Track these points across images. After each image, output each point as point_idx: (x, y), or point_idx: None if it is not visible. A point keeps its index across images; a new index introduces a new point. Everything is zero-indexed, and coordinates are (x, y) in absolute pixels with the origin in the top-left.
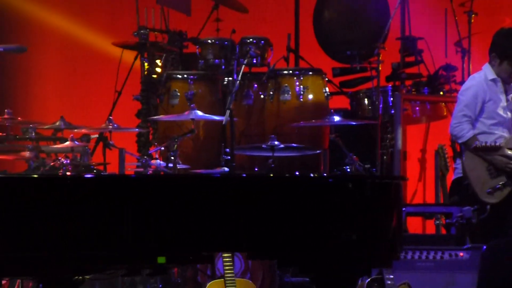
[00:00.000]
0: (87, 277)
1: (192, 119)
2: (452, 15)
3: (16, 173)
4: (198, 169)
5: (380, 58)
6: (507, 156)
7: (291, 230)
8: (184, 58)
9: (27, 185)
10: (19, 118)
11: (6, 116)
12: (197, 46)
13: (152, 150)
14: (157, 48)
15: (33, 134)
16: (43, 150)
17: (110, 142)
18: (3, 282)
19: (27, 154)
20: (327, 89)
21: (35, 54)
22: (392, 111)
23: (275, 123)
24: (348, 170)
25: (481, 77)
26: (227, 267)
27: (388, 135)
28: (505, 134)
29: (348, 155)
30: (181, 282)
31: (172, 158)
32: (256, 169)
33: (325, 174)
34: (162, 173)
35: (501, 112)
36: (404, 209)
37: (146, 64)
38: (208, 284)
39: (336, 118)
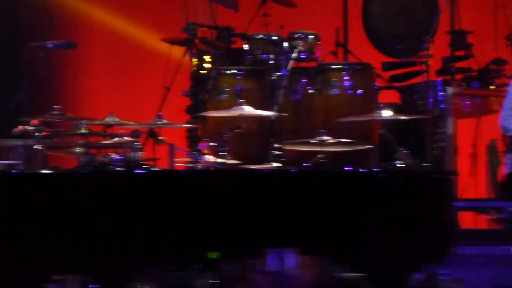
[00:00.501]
0: (141, 272)
1: (241, 114)
2: (502, 8)
3: (66, 168)
4: (247, 164)
5: (429, 52)
6: None
7: (342, 225)
8: (232, 54)
9: (77, 181)
10: (69, 114)
11: (56, 112)
12: (245, 42)
13: (201, 145)
14: (205, 44)
15: (84, 130)
16: (93, 146)
17: (160, 137)
18: (56, 278)
19: (77, 150)
20: (376, 83)
21: (84, 50)
22: (442, 106)
23: (324, 118)
24: (398, 165)
25: None
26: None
27: (439, 130)
28: None
29: (398, 150)
30: (233, 277)
31: (221, 153)
32: (304, 165)
33: (375, 169)
34: (211, 168)
35: None
36: (455, 204)
37: (194, 60)
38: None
39: (386, 113)
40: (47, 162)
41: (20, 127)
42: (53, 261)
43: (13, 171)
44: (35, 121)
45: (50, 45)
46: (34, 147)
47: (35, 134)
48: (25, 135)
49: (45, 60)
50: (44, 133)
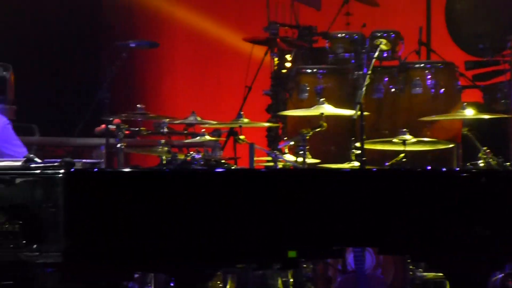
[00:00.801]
0: (219, 270)
1: (322, 113)
2: None
3: (148, 167)
4: (328, 163)
5: None
6: None
7: (422, 224)
8: (314, 53)
9: (159, 180)
10: (151, 113)
11: (138, 111)
12: (327, 40)
13: (281, 144)
14: (287, 43)
15: (165, 129)
16: (175, 144)
17: (241, 136)
18: (136, 276)
19: (159, 148)
20: (459, 82)
21: (166, 50)
22: None
23: (406, 116)
24: (481, 164)
25: None
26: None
27: None
28: None
29: (481, 149)
30: (312, 276)
31: (302, 152)
32: (386, 164)
33: (457, 169)
34: (291, 167)
35: None
36: None
37: (276, 59)
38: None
39: (469, 112)
40: (128, 161)
41: (102, 126)
42: (134, 259)
43: (95, 169)
44: (117, 120)
45: (132, 45)
46: (116, 146)
47: (117, 133)
48: (107, 134)
49: (128, 59)
50: (126, 132)
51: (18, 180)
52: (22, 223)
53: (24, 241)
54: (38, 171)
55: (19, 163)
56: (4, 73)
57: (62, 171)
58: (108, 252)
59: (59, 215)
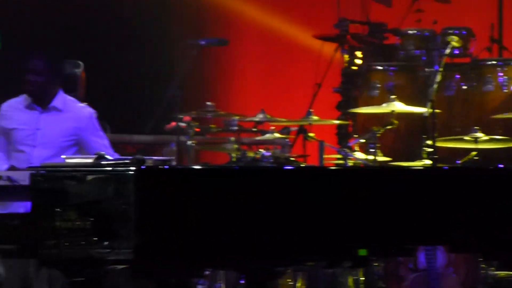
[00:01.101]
0: (289, 268)
1: (392, 110)
2: None
3: (217, 165)
4: (399, 161)
5: None
6: None
7: (494, 223)
8: (385, 49)
9: (228, 177)
10: (220, 110)
11: (208, 109)
12: (398, 37)
13: (351, 142)
14: (357, 40)
15: (235, 126)
16: (245, 142)
17: (310, 134)
18: (206, 273)
19: (228, 146)
20: None
21: (236, 47)
22: None
23: (477, 114)
24: None
25: None
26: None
27: None
28: None
29: None
30: (383, 275)
31: (372, 150)
32: (457, 162)
33: None
34: (362, 165)
35: None
36: None
37: (346, 56)
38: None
39: None
40: (198, 158)
41: (173, 123)
42: (204, 256)
43: (165, 166)
44: (187, 118)
45: (203, 43)
46: (186, 143)
47: (187, 130)
48: (178, 131)
49: (198, 57)
50: (196, 129)
51: (89, 177)
52: (93, 220)
53: (95, 238)
54: (109, 169)
55: (90, 160)
56: (75, 70)
57: (133, 168)
58: (178, 249)
59: (130, 212)
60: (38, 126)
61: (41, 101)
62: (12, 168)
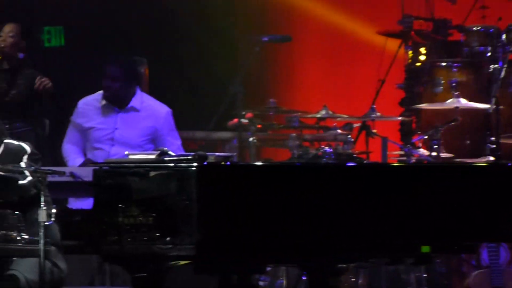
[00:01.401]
0: (351, 264)
1: (456, 107)
2: None
3: (279, 161)
4: (462, 158)
5: None
6: None
7: None
8: (449, 46)
9: (290, 174)
10: (282, 107)
11: (270, 105)
12: (462, 34)
13: (415, 138)
14: (421, 36)
15: (297, 123)
16: (307, 138)
17: (373, 130)
18: (268, 269)
19: (290, 142)
20: None
21: (298, 43)
22: None
23: None
24: None
25: None
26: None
27: None
28: None
29: None
30: (445, 271)
31: (436, 147)
32: None
33: None
34: (425, 162)
35: None
36: None
37: (410, 52)
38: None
39: None
40: (260, 155)
41: (235, 120)
42: (265, 252)
43: (227, 163)
44: (249, 114)
45: (265, 39)
46: (248, 140)
47: (249, 127)
48: (240, 128)
49: (260, 53)
50: (258, 126)
51: (152, 173)
52: (155, 215)
53: (158, 234)
54: (171, 165)
55: (153, 157)
56: (139, 67)
57: (195, 164)
58: (240, 245)
59: (192, 208)
60: (116, 126)
61: (119, 103)
62: (88, 161)
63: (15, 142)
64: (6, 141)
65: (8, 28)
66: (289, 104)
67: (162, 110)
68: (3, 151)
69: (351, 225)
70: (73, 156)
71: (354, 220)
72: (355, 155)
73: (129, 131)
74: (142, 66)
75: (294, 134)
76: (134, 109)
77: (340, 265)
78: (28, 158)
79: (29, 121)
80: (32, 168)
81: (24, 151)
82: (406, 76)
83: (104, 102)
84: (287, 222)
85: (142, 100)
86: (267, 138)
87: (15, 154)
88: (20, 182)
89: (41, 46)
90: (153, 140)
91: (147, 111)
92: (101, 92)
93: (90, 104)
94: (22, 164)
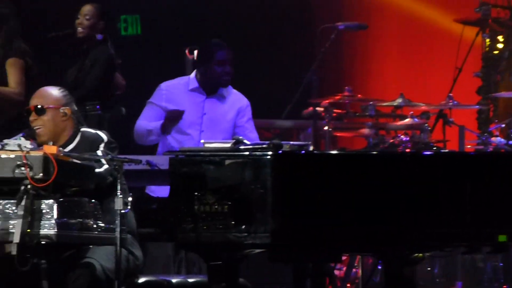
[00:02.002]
0: (427, 254)
1: None
2: None
3: (355, 150)
4: None
5: None
6: None
7: None
8: None
9: (366, 162)
10: (359, 95)
11: (346, 93)
12: None
13: (492, 127)
14: (499, 24)
15: (373, 111)
16: (383, 127)
17: (450, 119)
18: (343, 258)
19: (366, 131)
20: None
21: (375, 31)
22: None
23: None
24: None
25: None
26: None
27: None
28: None
29: None
30: None
31: None
32: None
33: None
34: (502, 150)
35: None
36: None
37: (487, 40)
38: None
39: None
40: (336, 143)
41: (310, 108)
42: (341, 241)
43: (302, 151)
44: (325, 103)
45: (341, 27)
46: (324, 128)
47: (325, 115)
48: (315, 116)
49: (336, 41)
50: (334, 114)
51: (227, 162)
52: (231, 204)
53: (233, 222)
54: (247, 153)
55: (228, 145)
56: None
57: (270, 153)
58: (315, 234)
59: (267, 197)
60: (204, 111)
61: (213, 89)
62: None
63: (92, 131)
64: (83, 129)
65: (86, 10)
66: (365, 92)
67: (243, 100)
68: (80, 140)
69: (427, 214)
70: (152, 124)
71: (431, 209)
72: (432, 144)
73: (216, 117)
74: None
75: (370, 123)
76: (222, 96)
77: (416, 254)
78: (105, 147)
79: (105, 104)
80: (109, 156)
81: (101, 139)
82: (483, 64)
83: (193, 85)
84: (362, 211)
85: (228, 87)
86: (343, 126)
87: (92, 142)
88: (97, 170)
89: (117, 34)
90: (233, 129)
91: (231, 99)
92: (185, 77)
93: (176, 88)
94: (99, 153)
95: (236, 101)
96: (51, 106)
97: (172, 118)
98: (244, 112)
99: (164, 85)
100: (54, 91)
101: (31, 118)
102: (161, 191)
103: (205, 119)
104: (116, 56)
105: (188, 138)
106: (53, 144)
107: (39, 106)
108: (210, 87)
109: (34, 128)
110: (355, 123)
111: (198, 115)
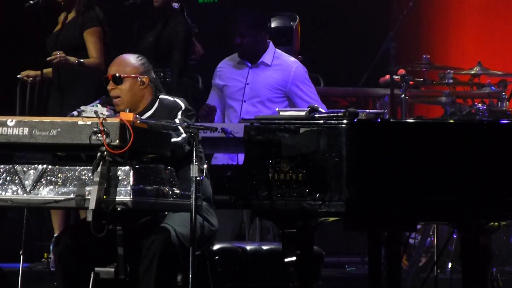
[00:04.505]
0: (503, 223)
1: None
2: None
3: (432, 118)
4: None
5: None
6: None
7: None
8: None
9: (443, 130)
10: (436, 63)
11: (423, 61)
12: None
13: None
14: None
15: (450, 79)
16: (460, 95)
17: None
18: (418, 226)
19: (443, 99)
20: None
21: None
22: None
23: None
24: None
25: None
26: None
27: None
28: None
29: None
30: None
31: None
32: None
33: None
34: None
35: None
36: None
37: None
38: None
39: None
40: (412, 112)
41: (387, 76)
42: (416, 210)
43: (378, 120)
44: (402, 71)
45: None
46: (400, 96)
47: (401, 83)
48: (392, 84)
49: (414, 9)
50: (411, 82)
51: (302, 130)
52: (305, 172)
53: (307, 190)
54: (321, 122)
55: (303, 113)
56: (291, 23)
57: (345, 121)
58: (390, 202)
59: (342, 165)
60: (247, 81)
61: (251, 58)
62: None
63: (170, 98)
64: (161, 96)
65: None
66: (443, 60)
67: (292, 64)
68: (158, 107)
69: (503, 183)
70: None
71: (507, 178)
72: (509, 113)
73: (259, 86)
74: (294, 22)
75: (447, 91)
76: (265, 64)
77: (492, 223)
78: (182, 114)
79: (181, 72)
80: (185, 123)
81: (179, 107)
82: None
83: (238, 59)
84: (438, 180)
85: (273, 55)
86: (420, 94)
87: (170, 110)
88: (174, 139)
89: (195, 1)
90: (286, 97)
91: (277, 65)
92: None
93: (226, 64)
94: (176, 121)
95: (283, 67)
96: (129, 75)
97: (203, 116)
98: (293, 76)
99: (221, 63)
100: (132, 59)
101: (109, 87)
102: (224, 159)
103: (247, 88)
104: (192, 24)
105: (232, 111)
106: (131, 111)
107: (117, 75)
108: (243, 58)
109: (112, 97)
110: (432, 91)
111: (241, 85)
